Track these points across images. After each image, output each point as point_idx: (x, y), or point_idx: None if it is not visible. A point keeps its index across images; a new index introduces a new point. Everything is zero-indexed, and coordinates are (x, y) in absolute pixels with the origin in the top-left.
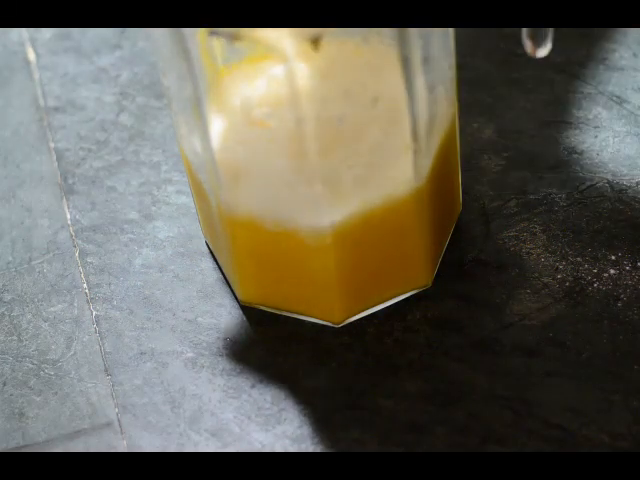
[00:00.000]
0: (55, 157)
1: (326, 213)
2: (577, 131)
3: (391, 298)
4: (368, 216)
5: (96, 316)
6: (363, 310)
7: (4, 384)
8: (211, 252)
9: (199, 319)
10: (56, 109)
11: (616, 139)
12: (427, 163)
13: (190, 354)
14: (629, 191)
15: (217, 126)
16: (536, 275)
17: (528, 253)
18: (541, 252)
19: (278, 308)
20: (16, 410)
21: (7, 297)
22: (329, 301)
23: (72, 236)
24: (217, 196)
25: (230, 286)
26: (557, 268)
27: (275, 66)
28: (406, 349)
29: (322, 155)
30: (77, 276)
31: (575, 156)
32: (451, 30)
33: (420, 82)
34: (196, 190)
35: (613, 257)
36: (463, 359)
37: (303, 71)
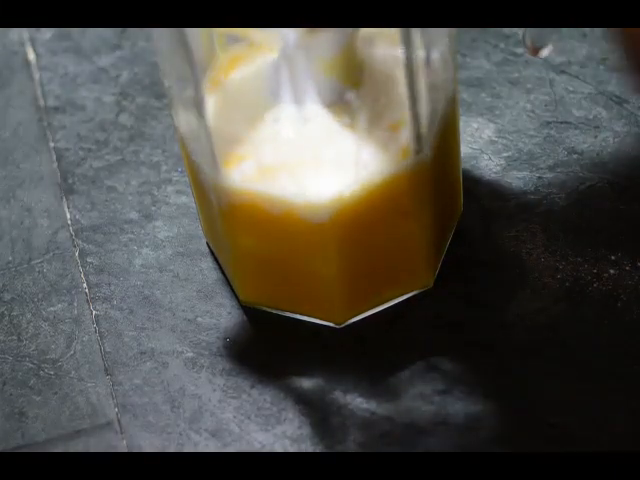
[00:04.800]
0: (55, 157)
1: (326, 182)
2: (577, 131)
3: (393, 299)
4: (368, 212)
5: (96, 316)
6: (365, 311)
7: (4, 384)
8: (211, 252)
9: (199, 319)
10: (56, 109)
11: (616, 139)
12: (428, 162)
13: (190, 354)
14: (629, 191)
15: (218, 125)
16: (536, 275)
17: (528, 253)
18: (541, 252)
19: (279, 308)
20: (16, 410)
21: (7, 297)
22: (330, 302)
23: (72, 236)
24: (216, 185)
25: (230, 286)
26: (557, 268)
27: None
28: (406, 349)
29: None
30: (77, 276)
31: (575, 156)
32: (453, 29)
33: (422, 82)
34: (197, 189)
35: (613, 257)
36: (463, 359)
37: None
